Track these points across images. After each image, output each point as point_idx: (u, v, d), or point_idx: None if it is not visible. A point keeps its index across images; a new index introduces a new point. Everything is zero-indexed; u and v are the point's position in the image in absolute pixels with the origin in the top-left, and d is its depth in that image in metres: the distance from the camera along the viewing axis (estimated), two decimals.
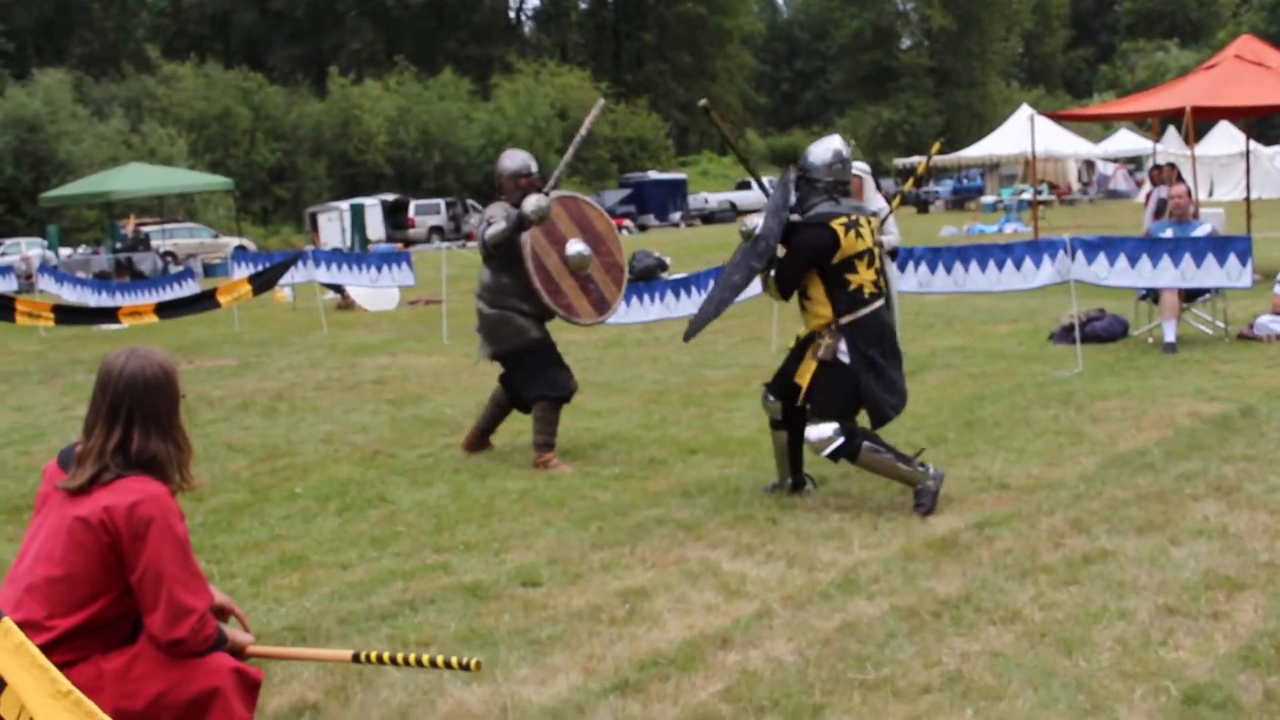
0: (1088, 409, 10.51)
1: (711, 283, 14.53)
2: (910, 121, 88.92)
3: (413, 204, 60.30)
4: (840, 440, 7.71)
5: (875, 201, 12.83)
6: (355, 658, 4.55)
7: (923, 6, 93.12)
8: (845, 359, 7.75)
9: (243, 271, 22.59)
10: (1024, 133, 33.09)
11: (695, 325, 8.40)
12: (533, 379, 9.68)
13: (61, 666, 3.90)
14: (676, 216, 66.96)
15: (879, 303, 7.86)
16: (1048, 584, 6.22)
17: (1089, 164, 61.45)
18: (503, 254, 9.43)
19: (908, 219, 49.88)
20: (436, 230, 58.41)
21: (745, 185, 70.88)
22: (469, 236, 55.67)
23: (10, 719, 3.05)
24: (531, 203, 9.11)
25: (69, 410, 13.12)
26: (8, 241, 45.70)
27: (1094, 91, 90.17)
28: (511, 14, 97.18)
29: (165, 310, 18.23)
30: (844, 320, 7.78)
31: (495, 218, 9.43)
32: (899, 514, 7.64)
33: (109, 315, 18.67)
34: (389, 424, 11.63)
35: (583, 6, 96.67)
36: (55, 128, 54.04)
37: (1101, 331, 14.32)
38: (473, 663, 4.33)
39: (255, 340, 20.02)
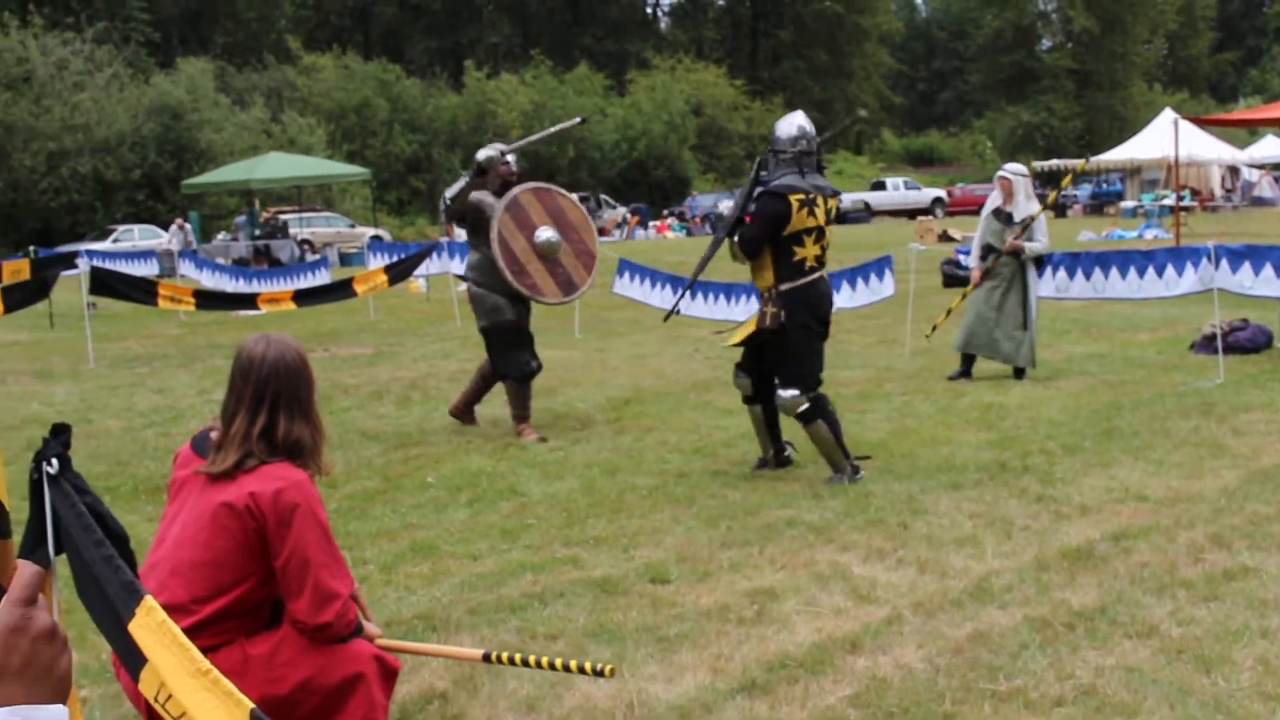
0: (1230, 421, 10.28)
1: (843, 283, 14.48)
2: (1050, 124, 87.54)
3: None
4: (807, 404, 8.60)
5: (1028, 206, 12.69)
6: (486, 657, 4.50)
7: (1065, 7, 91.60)
8: (784, 323, 8.59)
9: (378, 261, 22.88)
10: (1166, 137, 32.50)
11: (674, 302, 10.03)
12: (499, 356, 10.82)
13: (206, 650, 3.95)
14: None
15: (816, 275, 8.67)
16: (1186, 599, 6.09)
17: (1233, 170, 60.02)
18: (472, 224, 10.57)
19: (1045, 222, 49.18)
20: None
21: (880, 185, 70.38)
22: (602, 231, 55.93)
23: (150, 695, 3.09)
24: (482, 153, 10.45)
25: (207, 394, 13.36)
26: (120, 228, 46.48)
27: (1240, 96, 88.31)
28: (648, 9, 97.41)
29: (303, 298, 18.51)
30: (783, 287, 8.60)
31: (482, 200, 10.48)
32: (1033, 522, 7.54)
33: (248, 301, 19.00)
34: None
35: (720, 3, 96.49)
36: (197, 116, 54.97)
37: (1245, 342, 13.97)
38: (607, 669, 4.24)
39: (390, 329, 20.25)
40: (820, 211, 8.58)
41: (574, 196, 11.21)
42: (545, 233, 10.53)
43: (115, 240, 43.60)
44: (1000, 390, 12.10)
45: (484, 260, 10.57)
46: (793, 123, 8.79)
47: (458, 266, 21.62)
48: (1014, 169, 13.10)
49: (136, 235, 45.13)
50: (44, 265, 20.83)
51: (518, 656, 4.48)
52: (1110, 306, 17.30)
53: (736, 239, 8.74)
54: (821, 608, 6.18)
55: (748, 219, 8.71)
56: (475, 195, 10.44)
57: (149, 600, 3.07)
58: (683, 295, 10.28)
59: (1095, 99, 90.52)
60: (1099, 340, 15.57)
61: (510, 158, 10.68)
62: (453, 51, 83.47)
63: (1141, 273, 13.15)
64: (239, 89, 62.76)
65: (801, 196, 8.47)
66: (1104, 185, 61.25)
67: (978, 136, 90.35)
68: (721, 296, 15.39)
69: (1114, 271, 13.34)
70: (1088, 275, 13.51)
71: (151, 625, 3.03)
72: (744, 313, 14.05)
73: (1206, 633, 5.63)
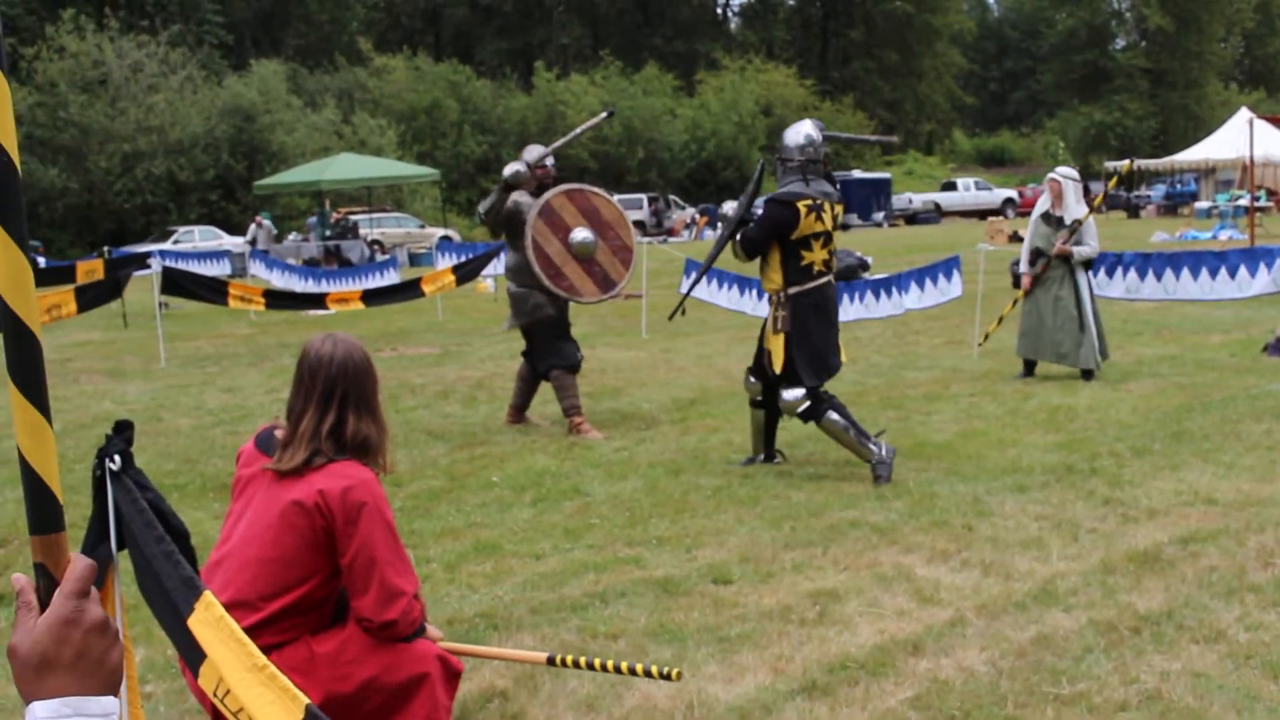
0: None
1: (911, 283, 14.43)
2: (1123, 124, 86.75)
3: (615, 198, 60.53)
4: (808, 403, 8.82)
5: (1077, 209, 12.57)
6: (551, 660, 4.47)
7: (1139, 5, 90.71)
8: (790, 326, 8.80)
9: (447, 262, 22.99)
10: (1242, 137, 32.13)
11: (680, 300, 10.44)
12: (545, 351, 10.91)
13: (273, 647, 3.99)
14: (879, 216, 66.21)
15: (824, 279, 8.86)
16: (1255, 604, 6.01)
17: None
18: (508, 228, 10.74)
19: (1117, 223, 48.82)
20: (638, 225, 58.63)
21: (951, 186, 69.93)
22: (670, 232, 55.92)
23: (209, 690, 3.12)
24: (509, 168, 10.71)
25: (276, 393, 13.47)
26: (180, 229, 46.82)
27: None
28: (718, 10, 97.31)
29: (372, 298, 18.63)
30: (791, 290, 8.80)
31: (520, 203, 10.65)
32: (1100, 524, 7.47)
33: (317, 301, 19.15)
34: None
35: (790, 3, 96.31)
36: (269, 117, 55.50)
37: None
38: (674, 673, 4.13)
39: (457, 329, 20.34)
40: (828, 217, 8.81)
41: (607, 194, 11.33)
42: (580, 234, 10.64)
43: (176, 241, 43.99)
44: (1069, 392, 12.00)
45: (523, 261, 10.68)
46: (800, 131, 9.02)
47: None
48: (1064, 172, 13.00)
49: (197, 236, 45.51)
50: (117, 265, 21.06)
51: (582, 660, 4.45)
52: (1182, 308, 17.11)
53: (738, 239, 8.97)
54: (884, 609, 6.15)
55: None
56: (513, 199, 10.62)
57: (208, 596, 3.11)
58: (690, 290, 10.64)
59: (1170, 98, 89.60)
60: (1170, 342, 15.39)
61: (549, 161, 10.98)
62: (523, 52, 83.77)
63: (1214, 274, 13.02)
64: (311, 91, 63.29)
65: (809, 202, 8.71)
66: (1178, 186, 60.53)
67: (1050, 137, 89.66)
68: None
69: (1185, 272, 13.21)
70: (1159, 276, 13.39)
71: (210, 620, 3.06)
72: None
73: (1275, 638, 5.55)
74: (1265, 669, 5.22)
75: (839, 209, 9.03)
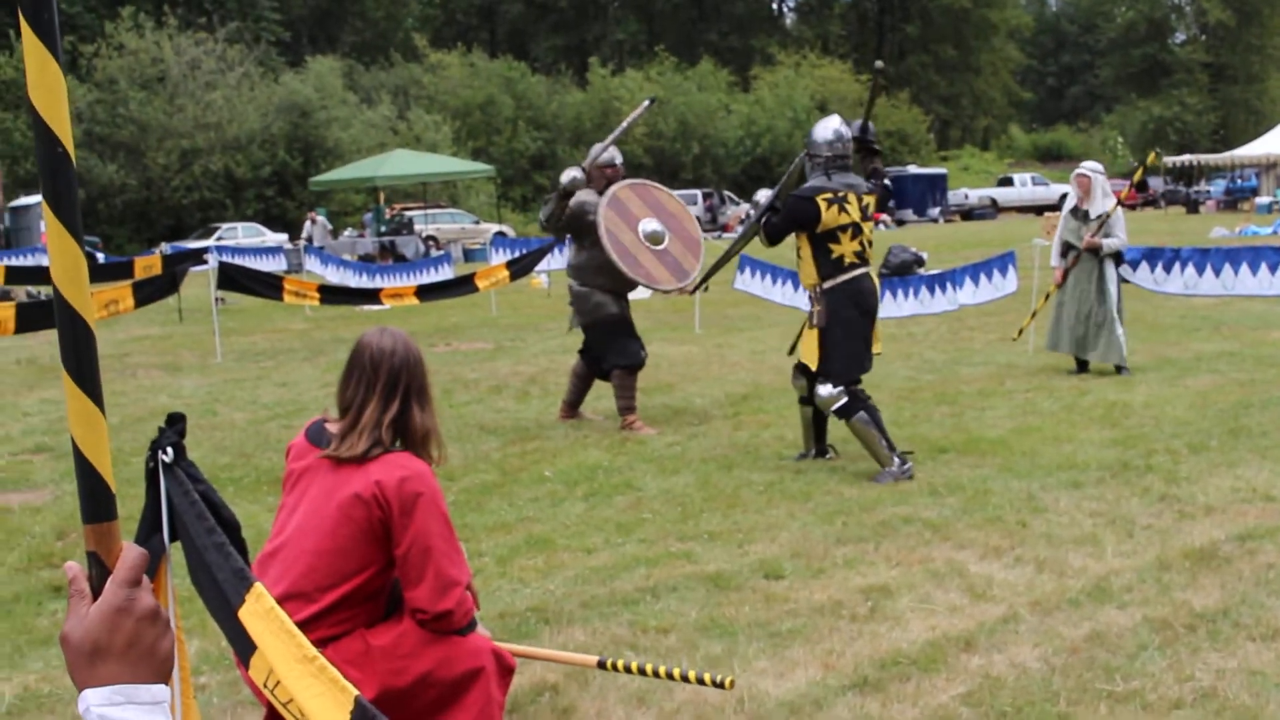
0: None
1: (965, 279, 14.37)
2: (1183, 119, 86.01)
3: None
4: (844, 400, 8.83)
5: (1104, 203, 12.61)
6: (601, 664, 4.48)
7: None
8: (827, 321, 8.85)
9: (501, 257, 23.03)
10: None
11: (704, 274, 10.49)
12: (609, 349, 10.94)
13: (328, 640, 4.01)
14: (935, 212, 65.89)
15: (859, 271, 8.90)
16: None
17: None
18: (573, 227, 10.75)
19: (1175, 219, 48.35)
20: None
21: (1008, 181, 69.48)
22: (725, 228, 55.83)
23: (259, 681, 3.14)
24: (565, 175, 10.64)
25: (330, 387, 13.41)
26: (223, 226, 47.01)
27: None
28: (774, 5, 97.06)
29: (425, 293, 18.68)
30: (826, 284, 8.86)
31: (584, 203, 10.63)
32: (1155, 521, 7.42)
33: (371, 296, 19.22)
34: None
35: None
36: (325, 114, 55.75)
37: None
38: (727, 681, 4.08)
39: (510, 325, 20.38)
40: (853, 208, 8.86)
41: (668, 190, 11.42)
42: (649, 224, 10.74)
43: (220, 238, 44.16)
44: (1125, 388, 11.91)
45: (587, 259, 10.77)
46: (828, 127, 9.13)
47: None
48: (1092, 166, 13.10)
49: (240, 233, 45.61)
50: (174, 261, 21.23)
51: (634, 665, 4.43)
52: (1241, 304, 16.96)
53: (763, 223, 9.16)
54: (936, 605, 6.12)
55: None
56: (578, 199, 10.62)
57: (258, 587, 3.12)
58: (712, 273, 10.58)
59: (1230, 93, 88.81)
60: (1229, 338, 15.24)
61: (617, 159, 10.98)
62: (578, 49, 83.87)
63: (1274, 269, 12.91)
64: (366, 87, 63.50)
65: (829, 196, 8.82)
66: (1239, 181, 59.97)
67: (1108, 132, 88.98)
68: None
69: (1244, 268, 13.10)
70: (1217, 272, 13.27)
71: (260, 612, 3.07)
72: None
73: None
74: None
75: (870, 199, 9.08)
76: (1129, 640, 5.54)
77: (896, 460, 8.74)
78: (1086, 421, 10.49)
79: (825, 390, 8.89)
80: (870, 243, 9.07)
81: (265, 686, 3.11)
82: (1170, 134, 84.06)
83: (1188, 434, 9.77)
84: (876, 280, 9.25)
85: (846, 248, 8.86)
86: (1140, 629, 5.67)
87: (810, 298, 9.04)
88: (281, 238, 44.93)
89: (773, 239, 9.13)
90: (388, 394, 4.26)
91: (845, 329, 8.85)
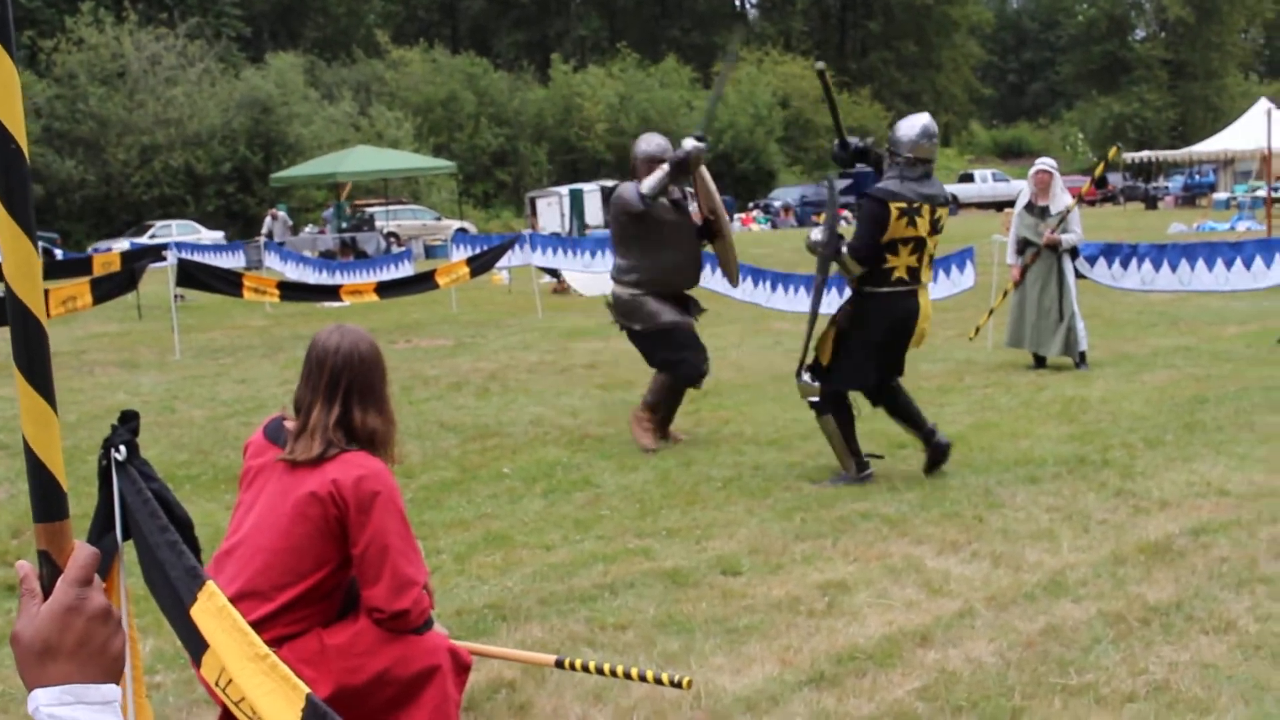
0: None
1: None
2: (1142, 115, 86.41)
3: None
4: (818, 398, 8.54)
5: (1063, 199, 12.75)
6: (559, 663, 4.51)
7: None
8: (850, 322, 8.44)
9: (462, 254, 22.99)
10: (1261, 127, 31.94)
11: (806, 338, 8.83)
12: (667, 357, 10.01)
13: (284, 639, 4.01)
14: None
15: (904, 289, 8.31)
16: (1266, 595, 6.01)
17: None
18: (642, 230, 9.87)
19: (1134, 215, 48.62)
20: None
21: (968, 177, 69.66)
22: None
23: (211, 679, 3.14)
24: (689, 142, 9.65)
25: (289, 384, 13.37)
26: (158, 224, 46.70)
27: None
28: (736, 1, 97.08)
29: (385, 290, 18.66)
30: (866, 289, 8.34)
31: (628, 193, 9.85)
32: (1111, 516, 7.47)
33: (331, 293, 19.19)
34: (598, 408, 11.73)
35: None
36: (286, 110, 55.52)
37: None
38: (685, 681, 4.16)
39: (471, 321, 20.34)
40: (923, 222, 8.24)
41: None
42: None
43: (153, 236, 43.77)
44: (1083, 384, 11.99)
45: (628, 264, 10.04)
46: (915, 125, 8.43)
47: (540, 259, 21.75)
48: (1049, 163, 13.21)
49: (174, 230, 45.26)
50: (133, 258, 21.13)
51: (591, 664, 4.47)
52: (1198, 300, 17.10)
53: (846, 252, 8.31)
54: (893, 600, 6.16)
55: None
56: (618, 193, 9.99)
57: (211, 585, 3.13)
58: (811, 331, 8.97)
59: (1189, 89, 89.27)
60: (1186, 334, 15.35)
61: (668, 149, 10.06)
62: (540, 45, 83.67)
63: (1230, 265, 12.99)
64: (328, 83, 63.25)
65: (903, 205, 8.16)
66: (1196, 177, 60.35)
67: (1068, 128, 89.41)
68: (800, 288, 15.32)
69: (1201, 264, 13.18)
70: (1174, 268, 13.35)
71: (213, 610, 3.08)
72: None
73: None
74: (1274, 660, 5.22)
75: (943, 212, 8.45)
76: (1083, 634, 5.59)
77: (855, 468, 8.55)
78: (1044, 417, 10.55)
79: (806, 378, 8.59)
80: (932, 258, 8.54)
81: (217, 685, 3.11)
82: (1130, 130, 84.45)
83: (1144, 429, 9.85)
84: (925, 299, 8.55)
85: (902, 261, 8.23)
86: (1095, 623, 5.71)
87: (850, 293, 8.56)
88: (217, 235, 44.74)
89: (866, 257, 8.24)
90: (330, 395, 4.24)
91: (864, 341, 8.39)
